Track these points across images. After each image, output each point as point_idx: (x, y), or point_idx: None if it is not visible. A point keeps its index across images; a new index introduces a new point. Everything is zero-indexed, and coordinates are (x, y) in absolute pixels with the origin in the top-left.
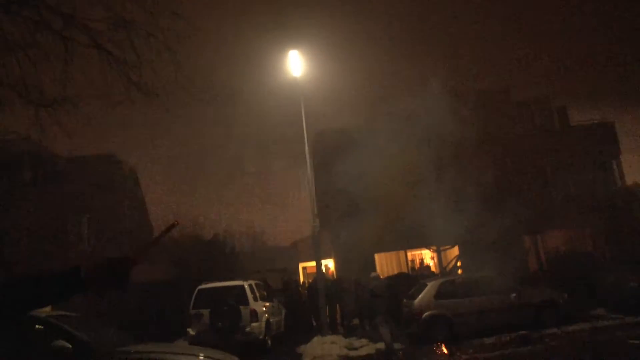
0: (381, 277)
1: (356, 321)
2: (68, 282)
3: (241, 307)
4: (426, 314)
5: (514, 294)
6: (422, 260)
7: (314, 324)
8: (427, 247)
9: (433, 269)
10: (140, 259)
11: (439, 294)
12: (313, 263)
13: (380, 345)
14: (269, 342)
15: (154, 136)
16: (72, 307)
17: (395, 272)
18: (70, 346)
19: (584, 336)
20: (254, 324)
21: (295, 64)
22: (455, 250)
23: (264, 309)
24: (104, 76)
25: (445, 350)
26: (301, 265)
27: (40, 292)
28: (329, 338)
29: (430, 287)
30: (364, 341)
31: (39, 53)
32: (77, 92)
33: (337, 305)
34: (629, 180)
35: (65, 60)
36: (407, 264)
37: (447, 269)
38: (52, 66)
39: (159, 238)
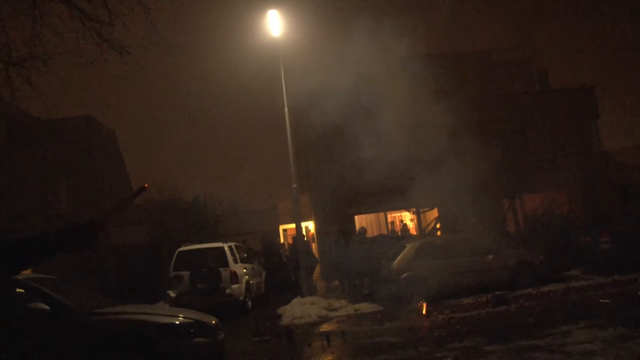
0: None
1: (336, 282)
2: (36, 248)
3: (221, 269)
4: (405, 274)
5: (492, 256)
6: (403, 223)
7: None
8: (407, 209)
9: (413, 231)
10: (106, 223)
11: (417, 255)
12: (293, 225)
13: (359, 306)
14: (249, 303)
15: (132, 99)
16: (53, 269)
17: (375, 233)
18: (48, 308)
19: (557, 296)
20: (234, 286)
21: (275, 24)
22: (434, 212)
23: (244, 270)
24: (74, 33)
25: (423, 311)
26: (282, 227)
27: (10, 259)
28: (309, 299)
29: (409, 248)
30: (343, 302)
31: (6, 7)
32: (48, 50)
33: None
34: (606, 144)
35: (34, 16)
36: (387, 226)
37: (427, 231)
38: (20, 22)
39: (125, 203)
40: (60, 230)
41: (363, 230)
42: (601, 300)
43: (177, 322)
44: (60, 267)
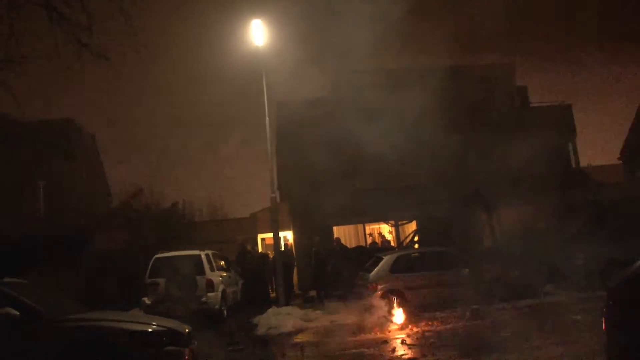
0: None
1: (313, 293)
2: (34, 254)
3: (197, 277)
4: (381, 287)
5: (468, 270)
6: (382, 236)
7: (271, 294)
8: (385, 221)
9: (392, 243)
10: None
11: (394, 268)
12: (272, 234)
13: (335, 317)
14: (225, 312)
15: (112, 103)
16: (25, 274)
17: (354, 245)
18: (17, 313)
19: (531, 311)
20: (210, 294)
21: (258, 33)
22: (413, 225)
23: (221, 279)
24: (53, 37)
25: (398, 324)
26: (260, 236)
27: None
28: (285, 309)
29: (386, 261)
30: (319, 313)
31: None
32: (24, 53)
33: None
34: (583, 162)
35: (10, 18)
36: (365, 238)
37: (404, 244)
38: None
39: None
40: (56, 237)
41: (338, 241)
42: (573, 317)
43: (150, 330)
44: (31, 271)
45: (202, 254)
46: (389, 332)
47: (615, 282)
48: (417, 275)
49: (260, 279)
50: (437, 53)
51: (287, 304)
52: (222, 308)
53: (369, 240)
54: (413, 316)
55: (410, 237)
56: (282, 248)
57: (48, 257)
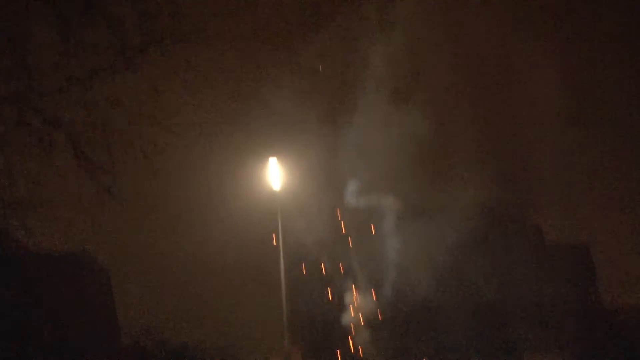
0: None
1: None
2: None
3: None
4: None
5: None
6: None
7: None
8: None
9: None
10: None
11: None
12: None
13: None
14: None
15: (128, 238)
16: None
17: None
18: None
19: None
20: None
21: (274, 173)
22: None
23: None
24: (76, 178)
25: None
26: None
27: None
28: None
29: None
30: None
31: (15, 148)
32: (48, 195)
33: None
34: (605, 300)
35: (40, 159)
36: None
37: None
38: (25, 163)
39: None
40: None
41: None
42: None
43: None
44: None
45: None
46: None
47: None
48: None
49: None
50: None
51: None
52: None
53: None
54: None
55: None
56: None
57: None
